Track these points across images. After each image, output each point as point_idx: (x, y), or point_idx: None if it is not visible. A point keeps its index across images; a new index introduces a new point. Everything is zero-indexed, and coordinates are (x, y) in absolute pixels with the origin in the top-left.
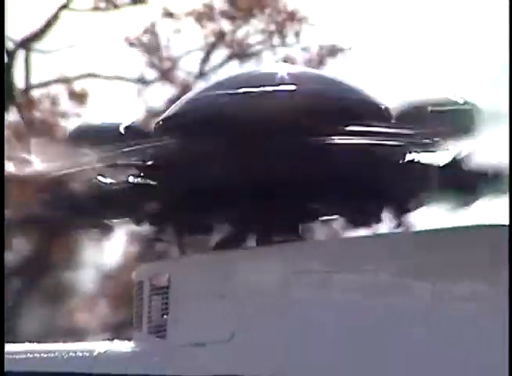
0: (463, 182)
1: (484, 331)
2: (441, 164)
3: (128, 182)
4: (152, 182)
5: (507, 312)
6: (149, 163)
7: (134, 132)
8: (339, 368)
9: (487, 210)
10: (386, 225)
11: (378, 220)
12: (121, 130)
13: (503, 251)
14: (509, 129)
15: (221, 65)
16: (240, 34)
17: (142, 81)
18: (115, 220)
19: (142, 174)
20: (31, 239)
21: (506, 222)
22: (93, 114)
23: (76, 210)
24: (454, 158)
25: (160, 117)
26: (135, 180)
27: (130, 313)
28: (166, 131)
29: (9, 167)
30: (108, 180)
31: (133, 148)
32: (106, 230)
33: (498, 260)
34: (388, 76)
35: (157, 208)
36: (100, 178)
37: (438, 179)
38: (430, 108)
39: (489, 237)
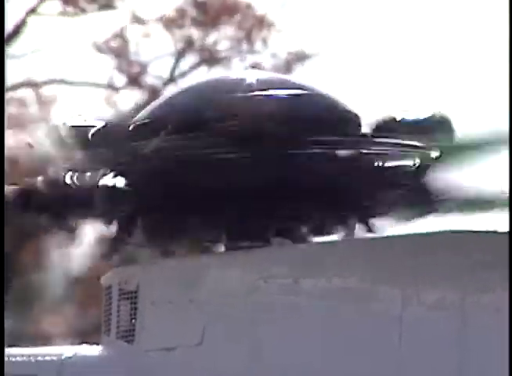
0: (422, 194)
1: (453, 338)
2: (406, 173)
3: (99, 183)
4: (124, 184)
5: (473, 318)
6: (122, 165)
7: (105, 136)
8: (310, 372)
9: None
10: (355, 231)
11: (347, 226)
12: (91, 134)
13: (468, 257)
14: (509, 132)
15: (190, 71)
16: (209, 40)
17: (111, 87)
18: (84, 220)
19: (114, 175)
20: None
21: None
22: (61, 119)
23: (44, 209)
24: (418, 169)
25: (134, 121)
26: (108, 181)
27: (98, 318)
28: (139, 135)
29: None
30: (79, 180)
31: (104, 151)
32: (74, 231)
33: (464, 265)
34: (356, 81)
35: (127, 210)
36: (70, 178)
37: (403, 187)
38: (399, 118)
39: (456, 243)
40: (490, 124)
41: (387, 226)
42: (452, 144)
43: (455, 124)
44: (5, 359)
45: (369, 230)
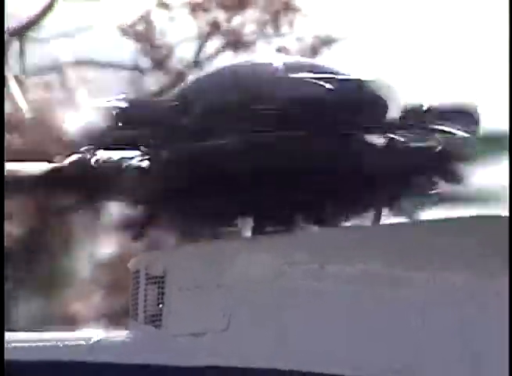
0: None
1: (477, 322)
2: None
3: (127, 164)
4: (152, 167)
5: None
6: (151, 147)
7: (133, 117)
8: (335, 357)
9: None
10: (381, 216)
11: (373, 211)
12: (120, 114)
13: (494, 241)
14: (509, 127)
15: (215, 54)
16: (235, 23)
17: (137, 69)
18: (111, 202)
19: (142, 157)
20: (24, 222)
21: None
22: (87, 102)
23: (71, 189)
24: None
25: (162, 104)
26: (135, 163)
27: (126, 302)
28: (168, 118)
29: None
30: (107, 161)
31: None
32: (101, 214)
33: (489, 250)
34: (383, 67)
35: (155, 194)
36: (98, 159)
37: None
38: (426, 106)
39: (481, 227)
40: None
41: (412, 211)
42: (476, 135)
43: (481, 116)
44: (32, 344)
45: (394, 215)
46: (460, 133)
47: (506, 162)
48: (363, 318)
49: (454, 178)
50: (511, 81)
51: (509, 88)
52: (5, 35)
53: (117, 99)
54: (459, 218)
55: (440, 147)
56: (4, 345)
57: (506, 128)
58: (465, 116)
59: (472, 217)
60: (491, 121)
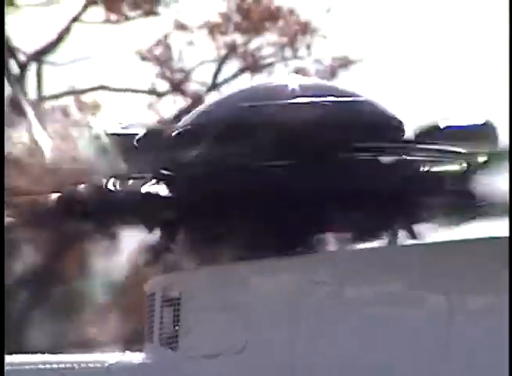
0: (466, 200)
1: (497, 343)
2: (450, 179)
3: (142, 190)
4: (167, 192)
5: None
6: (165, 172)
7: (147, 143)
8: None
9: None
10: (398, 237)
11: (392, 232)
12: (135, 141)
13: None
14: (509, 131)
15: (233, 77)
16: (253, 46)
17: (154, 93)
18: (126, 227)
19: (157, 182)
20: (41, 247)
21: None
22: (104, 126)
23: (87, 216)
24: (462, 175)
25: (177, 128)
26: (150, 188)
27: (142, 325)
28: (183, 142)
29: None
30: (122, 187)
31: (148, 158)
32: (116, 238)
33: (508, 271)
34: (400, 88)
35: (170, 218)
36: (113, 185)
37: (447, 193)
38: (443, 125)
39: (500, 248)
40: None
41: (432, 232)
42: (496, 151)
43: (499, 131)
44: (48, 366)
45: (413, 236)
46: (477, 152)
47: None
48: (384, 339)
49: (470, 198)
50: (511, 80)
51: (509, 88)
52: (25, 60)
53: (133, 125)
54: (475, 240)
55: (456, 168)
56: (4, 346)
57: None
58: (482, 135)
59: (489, 238)
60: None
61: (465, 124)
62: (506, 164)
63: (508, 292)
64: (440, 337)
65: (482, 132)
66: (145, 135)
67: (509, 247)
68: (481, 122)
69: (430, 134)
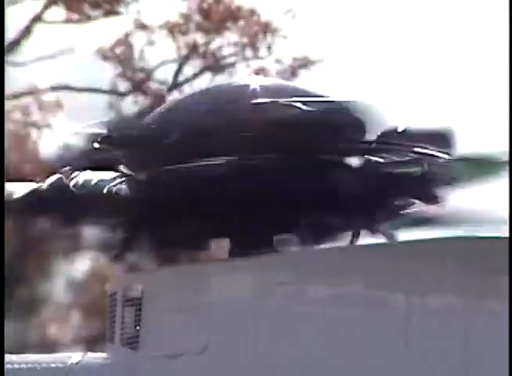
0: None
1: (458, 343)
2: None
3: (105, 189)
4: (129, 191)
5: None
6: (128, 171)
7: (110, 142)
8: None
9: None
10: (360, 237)
11: (353, 232)
12: (99, 140)
13: (473, 263)
14: (509, 130)
15: (194, 77)
16: (214, 46)
17: (115, 93)
18: (89, 226)
19: (120, 181)
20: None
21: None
22: (64, 126)
23: (48, 214)
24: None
25: (140, 128)
26: (113, 187)
27: (103, 325)
28: (145, 142)
29: None
30: (85, 186)
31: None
32: (78, 237)
33: (469, 271)
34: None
35: (132, 217)
36: (76, 183)
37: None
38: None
39: (459, 249)
40: (493, 142)
41: (393, 232)
42: (453, 157)
43: (456, 138)
44: (10, 366)
45: (375, 237)
46: (437, 155)
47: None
48: (344, 341)
49: (431, 199)
50: (511, 80)
51: (509, 88)
52: None
53: (95, 123)
54: (436, 240)
55: (417, 169)
56: (4, 346)
57: (488, 150)
58: (441, 138)
59: (450, 238)
60: (471, 144)
61: (424, 128)
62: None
63: (508, 295)
64: (398, 336)
65: (440, 137)
66: (108, 131)
67: (509, 249)
68: (440, 127)
69: (392, 135)
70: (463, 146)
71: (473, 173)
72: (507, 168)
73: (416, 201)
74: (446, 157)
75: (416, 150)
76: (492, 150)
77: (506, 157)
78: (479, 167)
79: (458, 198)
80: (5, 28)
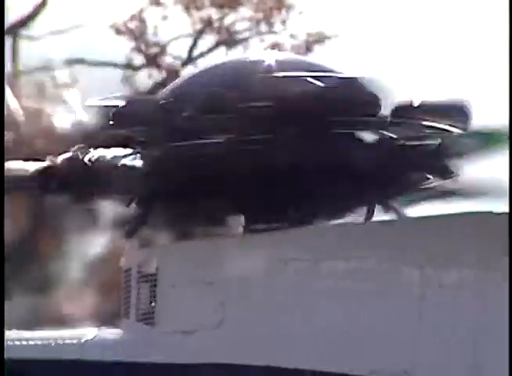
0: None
1: (474, 318)
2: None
3: (120, 163)
4: (144, 166)
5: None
6: (143, 146)
7: (125, 115)
8: (330, 355)
9: None
10: (374, 212)
11: (368, 208)
12: (113, 113)
13: (488, 237)
14: (509, 123)
15: (208, 51)
16: (228, 21)
17: (130, 67)
18: (103, 201)
19: (135, 156)
20: (17, 222)
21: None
22: (79, 101)
23: (63, 188)
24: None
25: (155, 100)
26: (128, 162)
27: (118, 301)
28: (162, 115)
29: None
30: (100, 160)
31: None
32: (94, 212)
33: (483, 247)
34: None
35: (147, 192)
36: (91, 157)
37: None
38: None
39: (475, 224)
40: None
41: (407, 207)
42: (468, 130)
43: (472, 111)
44: (24, 342)
45: (389, 212)
46: (452, 129)
47: (506, 157)
48: (358, 314)
49: (446, 173)
50: (511, 80)
51: (509, 88)
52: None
53: (109, 98)
54: (451, 215)
55: (432, 143)
56: (4, 345)
57: (499, 123)
58: (456, 112)
59: (464, 213)
60: (483, 117)
61: (439, 102)
62: (478, 145)
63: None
64: (413, 309)
65: (456, 109)
66: (123, 107)
67: (509, 239)
68: (456, 100)
69: (406, 110)
70: (478, 119)
71: (486, 146)
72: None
73: (431, 176)
74: (460, 130)
75: (430, 124)
76: (505, 122)
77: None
78: (492, 139)
79: (472, 171)
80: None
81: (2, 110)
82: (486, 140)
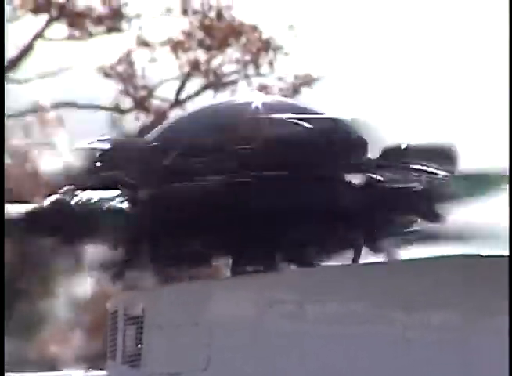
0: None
1: (456, 359)
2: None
3: (106, 206)
4: (131, 208)
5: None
6: (129, 187)
7: (112, 158)
8: None
9: None
10: (361, 255)
11: (355, 250)
12: (99, 156)
13: (475, 281)
14: (509, 132)
15: (196, 94)
16: (216, 63)
17: (118, 110)
18: (90, 244)
19: (121, 198)
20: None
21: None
22: (66, 143)
23: (50, 231)
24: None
25: (142, 143)
26: (114, 204)
27: (105, 344)
28: (149, 157)
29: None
30: (86, 203)
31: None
32: (80, 254)
33: (467, 289)
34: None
35: (133, 235)
36: (77, 201)
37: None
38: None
39: (461, 267)
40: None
41: (392, 250)
42: (455, 174)
43: (458, 154)
44: None
45: (378, 253)
46: (439, 172)
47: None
48: (344, 356)
49: (433, 216)
50: (511, 82)
51: (509, 91)
52: None
53: (97, 141)
54: (438, 258)
55: (419, 186)
56: (4, 345)
57: (489, 167)
58: (443, 155)
59: (451, 256)
60: (473, 161)
61: (426, 145)
62: (465, 188)
63: (508, 297)
64: (398, 355)
65: (443, 153)
66: (110, 149)
67: (509, 260)
68: (443, 143)
69: (393, 152)
70: (465, 163)
71: (474, 189)
72: (507, 183)
73: (418, 218)
74: (448, 173)
75: (417, 167)
76: (492, 166)
77: (506, 173)
78: (480, 183)
79: (460, 215)
80: (5, 35)
81: (2, 115)
82: (475, 184)
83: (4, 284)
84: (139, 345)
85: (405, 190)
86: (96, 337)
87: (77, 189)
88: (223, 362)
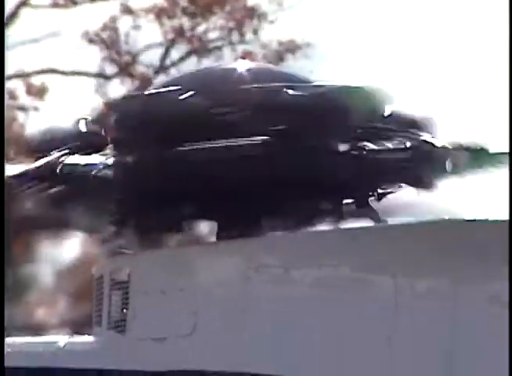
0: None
1: (445, 326)
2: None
3: (93, 172)
4: (117, 175)
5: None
6: (116, 155)
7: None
8: (300, 362)
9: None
10: (346, 219)
11: (340, 214)
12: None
13: (462, 245)
14: (509, 128)
15: (181, 60)
16: (200, 30)
17: (102, 76)
18: (77, 209)
19: (109, 165)
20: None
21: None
22: (52, 109)
23: (38, 191)
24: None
25: (127, 111)
26: (101, 172)
27: (90, 309)
28: (131, 125)
29: None
30: (73, 169)
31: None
32: (67, 220)
33: (457, 254)
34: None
35: (119, 201)
36: (64, 167)
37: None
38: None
39: (451, 231)
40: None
41: (380, 216)
42: (441, 144)
43: (436, 127)
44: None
45: (361, 220)
46: (429, 140)
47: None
48: (329, 322)
49: (419, 183)
50: (511, 81)
51: (509, 89)
52: None
53: (82, 107)
54: (423, 223)
55: (404, 153)
56: (4, 345)
57: (477, 140)
58: (422, 126)
59: (435, 221)
60: (463, 133)
61: (407, 114)
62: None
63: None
64: (386, 319)
65: (421, 124)
66: (94, 117)
67: (509, 246)
68: (422, 115)
69: (378, 120)
70: (451, 135)
71: (468, 162)
72: (503, 160)
73: (404, 185)
74: (435, 142)
75: (402, 134)
76: (479, 140)
77: (498, 149)
78: (475, 156)
79: (445, 186)
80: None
81: (2, 111)
82: (468, 156)
83: (4, 284)
84: (125, 311)
85: (391, 157)
86: (82, 302)
87: (64, 154)
88: (208, 327)
